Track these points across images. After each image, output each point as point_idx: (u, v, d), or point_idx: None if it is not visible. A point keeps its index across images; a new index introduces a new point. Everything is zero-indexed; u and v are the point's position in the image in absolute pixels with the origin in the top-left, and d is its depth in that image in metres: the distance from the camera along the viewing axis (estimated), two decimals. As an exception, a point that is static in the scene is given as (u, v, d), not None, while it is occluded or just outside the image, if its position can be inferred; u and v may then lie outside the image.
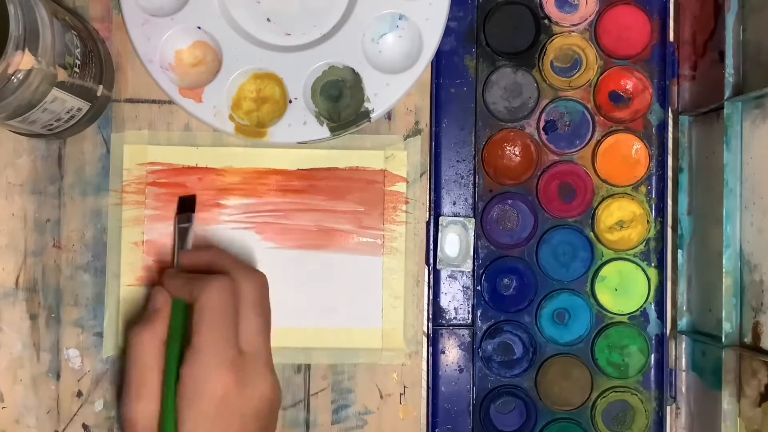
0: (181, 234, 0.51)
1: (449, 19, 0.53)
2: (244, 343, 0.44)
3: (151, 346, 0.43)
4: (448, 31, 0.53)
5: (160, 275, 0.50)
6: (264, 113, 0.53)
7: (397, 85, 0.52)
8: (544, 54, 0.55)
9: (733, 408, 0.49)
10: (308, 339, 0.54)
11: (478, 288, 0.55)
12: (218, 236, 0.54)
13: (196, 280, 0.45)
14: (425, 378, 0.55)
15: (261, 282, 0.46)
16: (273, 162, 0.54)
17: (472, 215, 0.55)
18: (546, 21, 0.55)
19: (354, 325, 0.54)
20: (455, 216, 0.55)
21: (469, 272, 0.55)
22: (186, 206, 0.53)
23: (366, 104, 0.52)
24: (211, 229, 0.54)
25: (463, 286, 0.55)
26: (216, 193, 0.54)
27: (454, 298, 0.55)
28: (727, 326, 0.50)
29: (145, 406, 0.42)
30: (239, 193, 0.54)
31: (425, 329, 0.55)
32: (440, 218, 0.54)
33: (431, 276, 0.55)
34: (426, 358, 0.55)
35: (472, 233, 0.54)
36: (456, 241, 0.55)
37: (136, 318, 0.49)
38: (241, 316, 0.44)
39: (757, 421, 0.47)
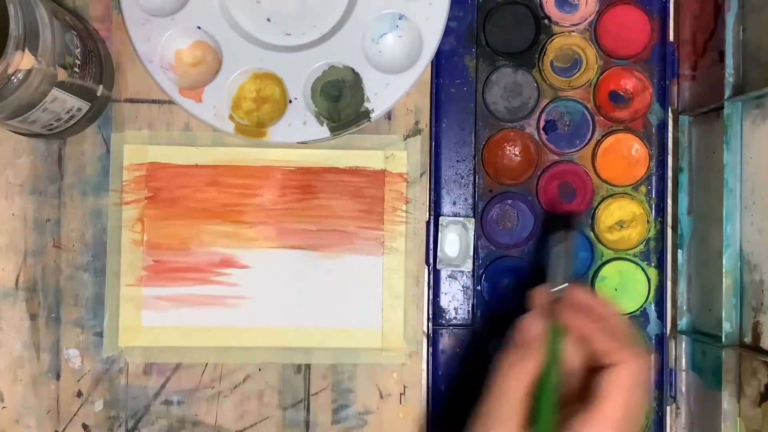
0: (557, 257, 0.45)
1: (449, 19, 0.53)
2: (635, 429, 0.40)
3: (521, 378, 0.39)
4: (448, 31, 0.53)
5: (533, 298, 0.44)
6: (264, 113, 0.53)
7: (397, 85, 0.52)
8: (544, 54, 0.55)
9: (733, 408, 0.49)
10: (308, 339, 0.54)
11: (478, 288, 0.55)
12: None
13: (619, 340, 0.40)
14: (425, 378, 0.55)
15: (649, 369, 0.43)
16: (273, 162, 0.54)
17: (472, 215, 0.55)
18: (546, 21, 0.55)
19: (354, 325, 0.54)
20: (455, 216, 0.55)
21: (469, 272, 0.55)
22: (563, 224, 0.50)
23: (366, 104, 0.52)
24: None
25: (463, 286, 0.55)
26: (216, 194, 0.54)
27: (454, 298, 0.55)
28: (727, 326, 0.50)
29: None
30: (239, 192, 0.54)
31: (425, 329, 0.55)
32: (440, 218, 0.54)
33: (431, 276, 0.55)
34: (426, 358, 0.55)
35: (472, 233, 0.54)
36: (456, 241, 0.55)
37: (505, 340, 0.43)
38: (637, 399, 0.40)
39: (757, 421, 0.47)
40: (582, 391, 0.40)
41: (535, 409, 0.40)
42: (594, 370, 0.40)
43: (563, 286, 0.44)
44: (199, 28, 0.52)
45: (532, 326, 0.42)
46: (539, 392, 0.40)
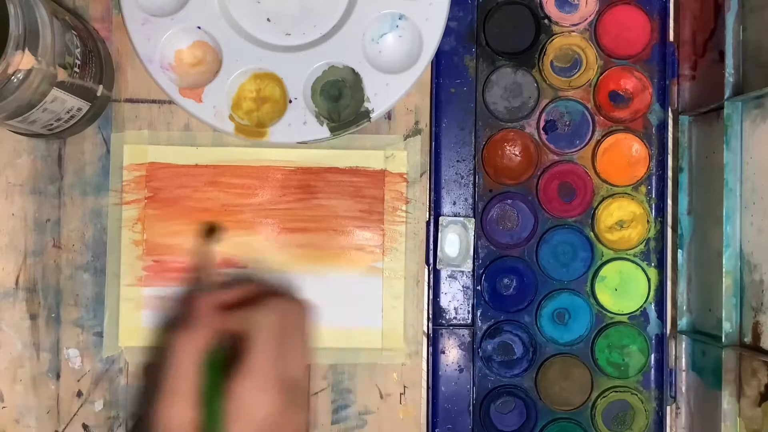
0: (206, 257, 0.50)
1: (449, 19, 0.53)
2: (289, 370, 0.43)
3: (190, 353, 0.42)
4: (448, 31, 0.53)
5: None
6: (264, 113, 0.53)
7: (397, 85, 0.52)
8: (544, 54, 0.55)
9: (733, 408, 0.49)
10: (308, 339, 0.54)
11: (478, 288, 0.55)
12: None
13: (248, 304, 0.43)
14: (425, 378, 0.55)
15: (305, 308, 0.44)
16: (273, 162, 0.54)
17: (472, 215, 0.55)
18: (546, 21, 0.55)
19: (354, 325, 0.54)
20: (455, 216, 0.55)
21: (469, 272, 0.55)
22: (209, 232, 0.52)
23: (366, 104, 0.52)
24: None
25: (463, 286, 0.55)
26: (216, 193, 0.54)
27: (454, 298, 0.55)
28: (727, 326, 0.50)
29: (181, 412, 0.41)
30: (239, 192, 0.54)
31: (425, 329, 0.55)
32: (440, 218, 0.54)
33: (431, 276, 0.55)
34: (426, 358, 0.55)
35: (472, 233, 0.54)
36: (456, 240, 0.55)
37: (173, 321, 0.46)
38: (288, 342, 0.43)
39: (757, 420, 0.47)
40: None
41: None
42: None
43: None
44: (199, 28, 0.52)
45: (201, 307, 0.44)
46: (207, 371, 0.42)
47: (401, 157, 0.55)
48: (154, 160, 0.54)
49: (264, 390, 0.41)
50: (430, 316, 0.55)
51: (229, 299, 0.45)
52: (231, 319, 0.44)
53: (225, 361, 0.43)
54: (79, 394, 0.53)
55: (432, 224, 0.55)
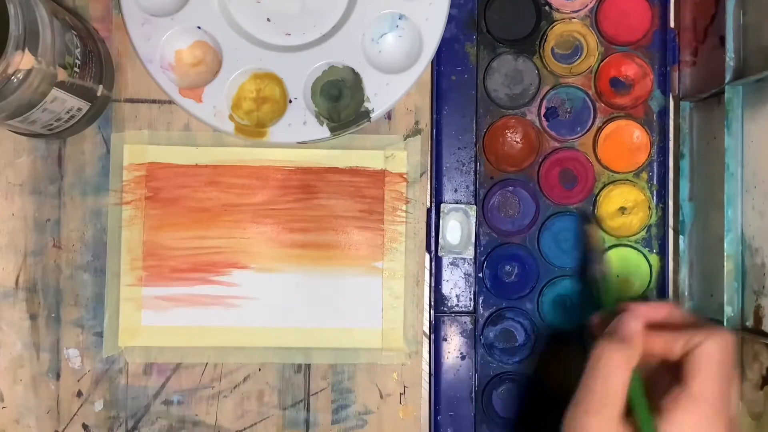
0: (589, 242, 0.51)
1: (450, 7, 0.53)
2: (732, 408, 0.41)
3: (623, 369, 0.41)
4: (448, 19, 0.53)
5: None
6: (264, 113, 0.53)
7: (397, 85, 0.52)
8: (545, 41, 0.55)
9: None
10: (308, 339, 0.54)
11: (480, 275, 0.55)
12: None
13: (692, 325, 0.42)
14: (426, 370, 0.55)
15: (734, 344, 0.42)
16: (273, 162, 0.54)
17: (473, 202, 0.55)
18: (546, 7, 0.55)
19: (354, 325, 0.54)
20: (457, 203, 0.55)
21: (470, 259, 0.55)
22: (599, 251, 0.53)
23: (366, 104, 0.52)
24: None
25: (464, 273, 0.55)
26: (216, 193, 0.54)
27: (456, 285, 0.55)
28: (728, 310, 0.50)
29: (602, 424, 0.40)
30: (239, 192, 0.54)
31: (428, 317, 0.55)
32: (442, 205, 0.54)
33: (433, 263, 0.55)
34: (428, 345, 0.55)
35: (473, 220, 0.54)
36: (457, 228, 0.55)
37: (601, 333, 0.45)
38: (731, 378, 0.41)
39: (759, 404, 0.47)
40: (667, 373, 0.42)
41: (632, 400, 0.41)
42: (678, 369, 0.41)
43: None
44: (199, 28, 0.52)
45: (630, 325, 0.43)
46: (632, 385, 0.41)
47: (401, 157, 0.55)
48: (154, 160, 0.54)
49: (713, 425, 0.39)
50: (432, 303, 0.55)
51: (657, 316, 0.44)
52: (671, 340, 0.42)
53: (646, 381, 0.41)
54: (79, 394, 0.53)
55: (433, 211, 0.55)
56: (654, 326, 0.43)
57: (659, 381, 0.42)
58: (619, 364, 0.41)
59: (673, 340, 0.41)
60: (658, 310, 0.44)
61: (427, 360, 0.55)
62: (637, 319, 0.43)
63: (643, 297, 0.56)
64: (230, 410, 0.54)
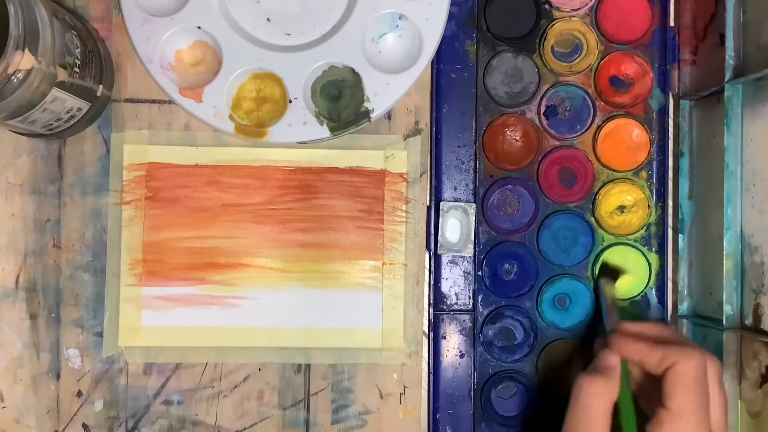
0: (607, 300, 0.52)
1: (450, 5, 0.53)
2: (711, 422, 0.43)
3: (604, 401, 0.43)
4: (448, 17, 0.53)
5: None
6: (264, 113, 0.53)
7: (397, 85, 0.52)
8: (545, 39, 0.55)
9: (733, 390, 0.49)
10: (308, 339, 0.54)
11: (479, 273, 0.55)
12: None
13: (669, 346, 0.44)
14: (426, 368, 0.55)
15: (719, 364, 0.45)
16: (273, 162, 0.54)
17: (472, 200, 0.55)
18: (546, 6, 0.55)
19: (354, 325, 0.54)
20: (456, 201, 0.55)
21: (470, 257, 0.55)
22: (610, 273, 0.54)
23: (366, 104, 0.52)
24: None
25: (464, 272, 0.55)
26: (216, 193, 0.54)
27: (455, 284, 0.55)
28: (727, 308, 0.50)
29: None
30: (239, 192, 0.54)
31: (427, 316, 0.55)
32: (441, 203, 0.54)
33: (432, 261, 0.55)
34: (427, 344, 0.55)
35: (473, 218, 0.54)
36: (457, 226, 0.55)
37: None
38: (708, 396, 0.43)
39: (758, 402, 0.47)
40: (657, 398, 0.44)
41: (622, 427, 0.44)
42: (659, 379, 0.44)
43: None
44: (199, 28, 0.52)
45: (607, 358, 0.45)
46: (621, 412, 0.44)
47: (401, 157, 0.55)
48: (154, 160, 0.54)
49: None
50: (431, 301, 0.55)
51: (644, 332, 0.47)
52: (646, 352, 0.44)
53: (635, 395, 0.44)
54: (79, 394, 0.53)
55: (433, 209, 0.55)
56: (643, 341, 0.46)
57: (653, 392, 0.45)
58: (598, 394, 0.43)
59: (650, 359, 0.44)
60: (646, 330, 0.47)
61: (426, 358, 0.55)
62: (615, 354, 0.45)
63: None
64: (230, 410, 0.54)
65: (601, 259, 0.55)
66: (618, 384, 0.44)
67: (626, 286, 0.55)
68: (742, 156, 0.50)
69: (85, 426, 0.54)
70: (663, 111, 0.56)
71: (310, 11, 0.53)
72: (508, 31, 0.55)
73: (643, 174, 0.56)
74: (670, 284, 0.56)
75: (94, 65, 0.50)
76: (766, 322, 0.48)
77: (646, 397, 0.46)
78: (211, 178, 0.54)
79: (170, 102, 0.53)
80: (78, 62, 0.47)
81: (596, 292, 0.54)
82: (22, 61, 0.41)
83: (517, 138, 0.55)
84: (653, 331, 0.47)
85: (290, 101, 0.52)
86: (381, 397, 0.55)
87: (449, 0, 0.53)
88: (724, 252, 0.50)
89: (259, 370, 0.54)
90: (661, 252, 0.56)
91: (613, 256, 0.55)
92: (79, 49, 0.47)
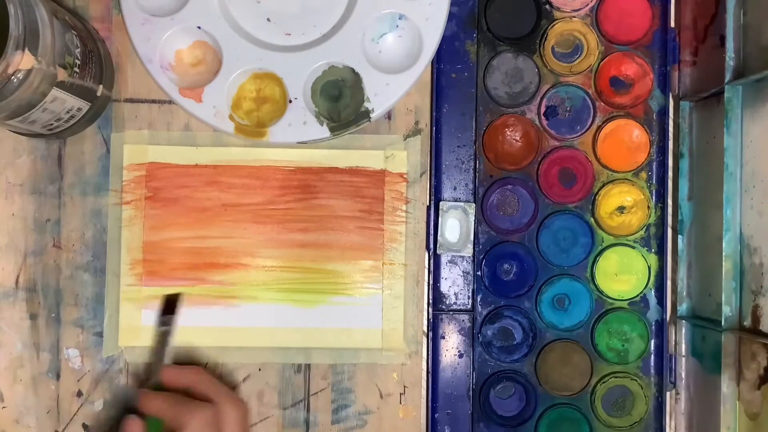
0: (161, 338, 0.49)
1: (451, 5, 0.53)
2: None
3: None
4: (449, 17, 0.53)
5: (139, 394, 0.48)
6: (264, 113, 0.53)
7: (397, 85, 0.52)
8: (545, 39, 0.55)
9: (732, 391, 0.49)
10: (308, 339, 0.54)
11: (479, 273, 0.55)
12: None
13: (180, 405, 0.45)
14: (425, 369, 0.55)
15: (244, 412, 0.46)
16: (273, 162, 0.54)
17: (472, 200, 0.55)
18: (547, 6, 0.55)
19: (354, 325, 0.54)
20: (456, 201, 0.55)
21: (469, 257, 0.55)
22: (169, 307, 0.50)
23: (366, 104, 0.52)
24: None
25: (463, 271, 0.55)
26: (216, 193, 0.54)
27: (455, 284, 0.55)
28: (726, 310, 0.50)
29: None
30: (239, 192, 0.54)
31: (426, 315, 0.55)
32: (441, 203, 0.54)
33: (431, 261, 0.55)
34: (426, 343, 0.55)
35: (472, 218, 0.54)
36: (456, 226, 0.55)
37: None
38: None
39: (757, 403, 0.47)
40: None
41: None
42: None
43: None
44: (199, 28, 0.52)
45: (133, 426, 0.45)
46: None
47: (401, 157, 0.55)
48: (154, 160, 0.54)
49: None
50: (431, 301, 0.55)
51: (168, 379, 0.47)
52: (165, 411, 0.45)
53: None
54: (79, 394, 0.53)
55: (432, 209, 0.55)
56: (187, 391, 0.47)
57: None
58: None
59: (167, 415, 0.45)
60: (183, 377, 0.47)
61: (425, 358, 0.55)
62: (136, 422, 0.45)
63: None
64: (230, 410, 0.54)
65: (163, 294, 0.52)
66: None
67: (626, 287, 0.55)
68: (742, 157, 0.50)
69: (85, 426, 0.54)
70: (663, 112, 0.56)
71: (310, 11, 0.53)
72: (509, 31, 0.55)
73: (643, 175, 0.56)
74: (669, 285, 0.56)
75: (94, 65, 0.50)
76: (765, 323, 0.48)
77: None
78: (211, 178, 0.54)
79: (170, 102, 0.53)
80: (78, 62, 0.47)
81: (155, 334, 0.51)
82: (22, 61, 0.41)
83: (517, 138, 0.55)
84: (187, 380, 0.47)
85: (290, 101, 0.52)
86: (381, 397, 0.55)
87: (449, 0, 0.53)
88: (724, 253, 0.50)
89: (259, 370, 0.54)
90: (661, 253, 0.56)
91: (613, 256, 0.55)
92: (79, 49, 0.47)
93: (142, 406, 0.46)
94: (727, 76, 0.50)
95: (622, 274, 0.55)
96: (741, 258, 0.50)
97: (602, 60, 0.55)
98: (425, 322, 0.55)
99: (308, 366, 0.54)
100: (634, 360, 0.55)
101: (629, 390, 0.55)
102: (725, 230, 0.50)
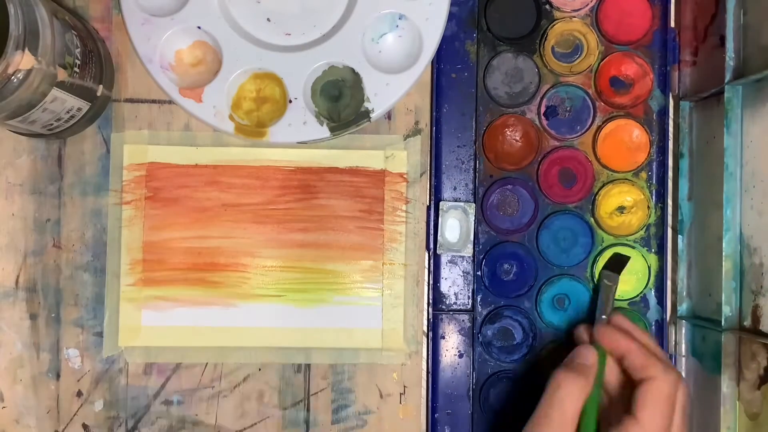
0: (607, 291, 0.51)
1: (451, 5, 0.53)
2: None
3: (576, 398, 0.44)
4: (449, 17, 0.53)
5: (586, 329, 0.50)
6: (264, 113, 0.53)
7: (397, 85, 0.52)
8: (545, 39, 0.55)
9: (732, 391, 0.49)
10: (308, 339, 0.54)
11: (479, 273, 0.55)
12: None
13: (654, 358, 0.45)
14: (425, 369, 0.55)
15: (689, 393, 0.46)
16: (273, 162, 0.54)
17: (472, 200, 0.55)
18: (547, 6, 0.55)
19: (354, 325, 0.54)
20: (456, 201, 0.55)
21: (469, 257, 0.55)
22: (616, 265, 0.53)
23: (366, 104, 0.52)
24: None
25: (463, 271, 0.55)
26: (216, 193, 0.54)
27: (455, 284, 0.55)
28: (726, 310, 0.50)
29: None
30: (239, 192, 0.54)
31: (426, 315, 0.55)
32: (441, 203, 0.54)
33: (431, 261, 0.55)
34: (426, 343, 0.55)
35: (472, 218, 0.54)
36: (456, 225, 0.55)
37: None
38: (676, 418, 0.45)
39: (757, 404, 0.47)
40: (622, 404, 0.46)
41: (580, 425, 0.45)
42: (631, 385, 0.46)
43: (606, 316, 0.50)
44: (199, 28, 0.52)
45: (588, 353, 0.47)
46: (585, 411, 0.45)
47: (401, 157, 0.55)
48: (154, 160, 0.54)
49: None
50: (431, 301, 0.55)
51: (634, 333, 0.48)
52: (637, 354, 0.46)
53: (602, 407, 0.46)
54: (79, 394, 0.53)
55: (432, 209, 0.55)
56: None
57: (613, 412, 0.46)
58: (574, 392, 0.45)
59: (634, 359, 0.46)
60: (636, 332, 0.48)
61: (425, 358, 0.55)
62: (592, 351, 0.47)
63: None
64: (230, 410, 0.54)
65: (613, 250, 0.55)
66: (591, 384, 0.45)
67: (626, 287, 0.55)
68: (742, 157, 0.50)
69: (85, 426, 0.54)
70: (663, 112, 0.56)
71: (310, 11, 0.53)
72: (509, 31, 0.55)
73: (643, 175, 0.56)
74: (669, 285, 0.56)
75: (94, 65, 0.50)
76: (765, 323, 0.48)
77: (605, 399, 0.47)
78: (211, 178, 0.54)
79: (170, 102, 0.53)
80: (78, 62, 0.47)
81: (597, 282, 0.54)
82: (22, 61, 0.41)
83: (517, 138, 0.55)
84: (642, 337, 0.48)
85: (290, 101, 0.52)
86: (381, 397, 0.55)
87: (449, 0, 0.53)
88: (723, 253, 0.50)
89: (259, 370, 0.54)
90: (661, 253, 0.56)
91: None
92: (79, 49, 0.47)
93: (601, 337, 0.47)
94: (727, 76, 0.50)
95: (622, 274, 0.55)
96: (741, 258, 0.50)
97: (602, 60, 0.55)
98: (425, 322, 0.55)
99: (308, 366, 0.54)
100: (634, 360, 0.55)
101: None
102: (725, 230, 0.50)
